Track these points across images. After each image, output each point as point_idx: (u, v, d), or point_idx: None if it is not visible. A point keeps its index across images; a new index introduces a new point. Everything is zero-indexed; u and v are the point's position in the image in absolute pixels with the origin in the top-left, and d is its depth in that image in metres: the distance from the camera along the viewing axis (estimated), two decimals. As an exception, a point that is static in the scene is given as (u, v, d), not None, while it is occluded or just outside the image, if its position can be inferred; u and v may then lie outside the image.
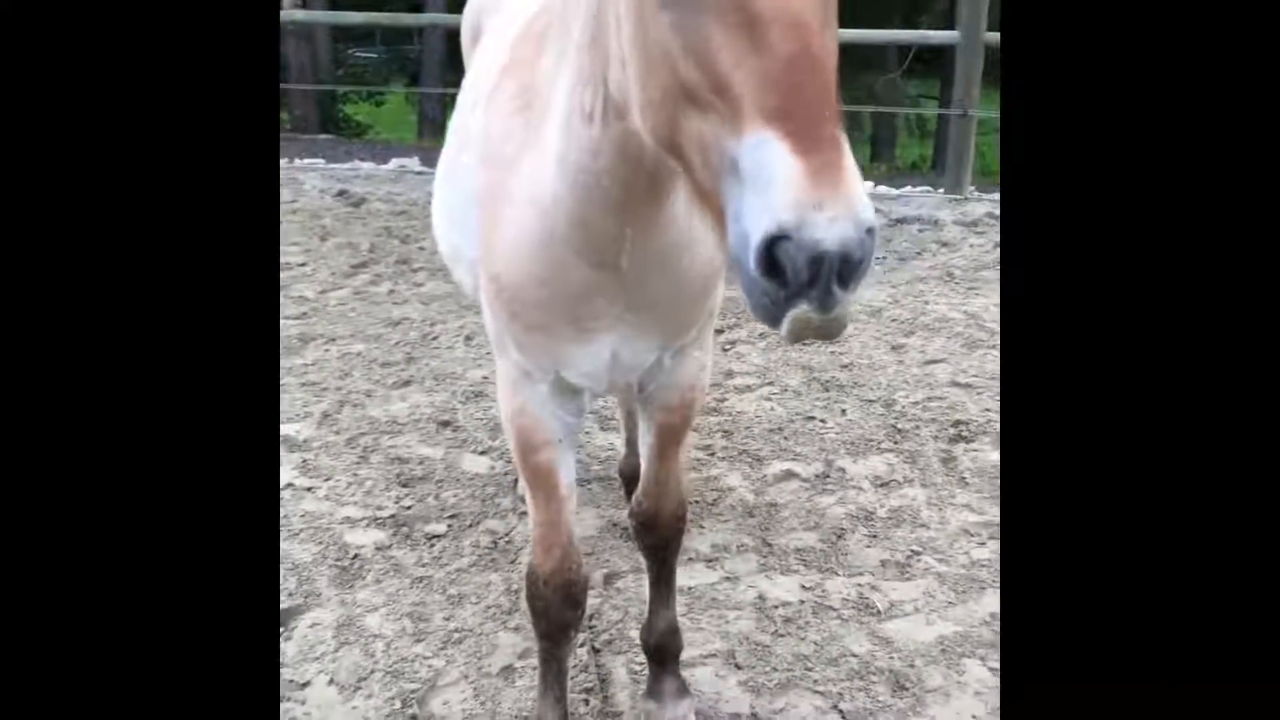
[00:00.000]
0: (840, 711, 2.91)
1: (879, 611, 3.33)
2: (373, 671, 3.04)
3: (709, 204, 1.43)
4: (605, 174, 1.79)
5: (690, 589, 3.43)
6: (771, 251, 1.25)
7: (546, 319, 2.09)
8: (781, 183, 1.23)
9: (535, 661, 2.78)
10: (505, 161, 2.03)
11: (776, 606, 3.36)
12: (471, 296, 2.77)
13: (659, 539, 2.72)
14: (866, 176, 9.49)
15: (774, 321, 1.32)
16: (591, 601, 3.35)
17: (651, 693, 2.81)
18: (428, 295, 6.14)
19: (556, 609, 2.49)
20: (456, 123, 2.67)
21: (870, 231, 1.25)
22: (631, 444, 3.75)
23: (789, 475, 4.12)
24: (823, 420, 4.57)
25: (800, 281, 1.25)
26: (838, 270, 1.24)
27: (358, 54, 26.18)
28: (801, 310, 1.28)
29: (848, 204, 1.23)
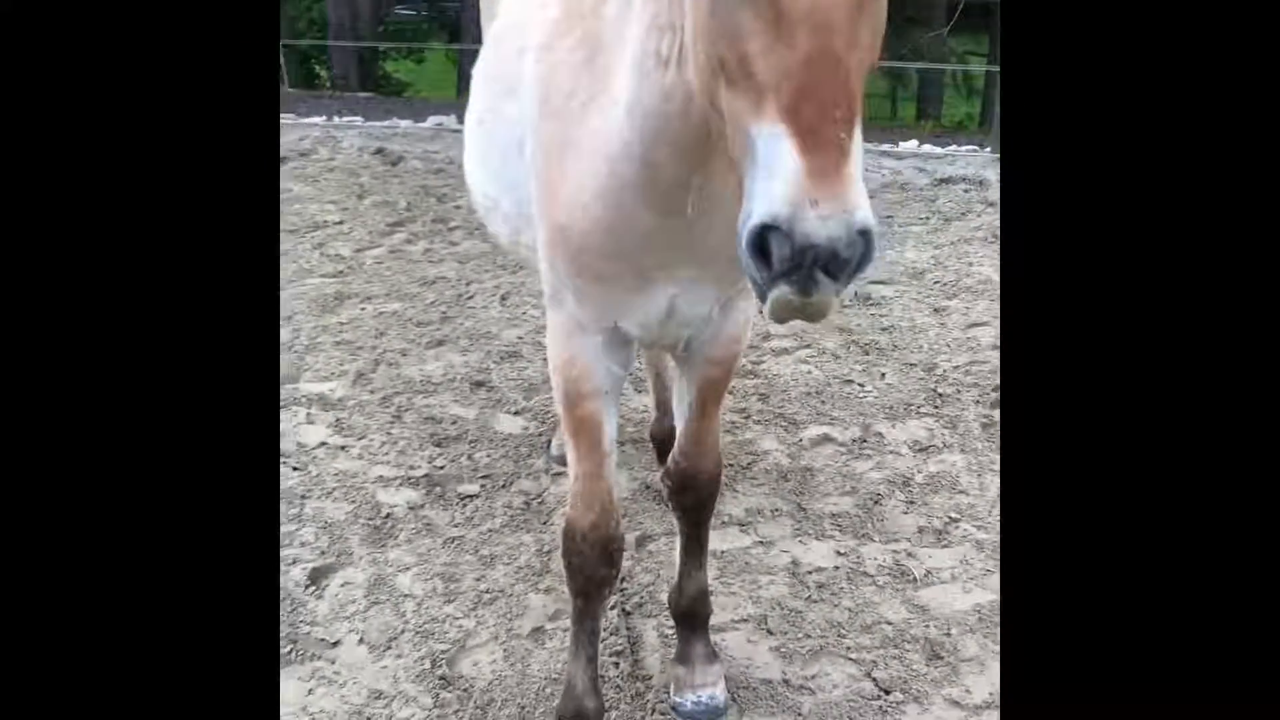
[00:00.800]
0: (874, 679, 2.87)
1: (915, 579, 3.28)
2: (403, 631, 3.04)
3: (734, 170, 1.49)
4: (676, 117, 1.78)
5: (722, 553, 3.39)
6: (762, 237, 1.34)
7: (611, 268, 2.09)
8: (783, 177, 1.32)
9: (566, 624, 2.78)
10: (571, 112, 2.03)
11: (810, 572, 3.31)
12: (507, 248, 2.77)
13: (695, 499, 2.68)
14: (911, 135, 9.31)
15: (760, 298, 1.40)
16: (623, 564, 3.33)
17: (681, 657, 2.78)
18: (463, 254, 6.11)
19: (593, 565, 2.45)
20: (492, 71, 2.61)
21: (865, 233, 1.32)
22: (662, 406, 3.73)
23: (825, 439, 4.06)
24: (861, 384, 4.49)
25: (783, 269, 1.34)
26: (825, 264, 1.32)
27: (399, 11, 26.08)
28: (782, 291, 1.36)
29: (842, 204, 1.30)
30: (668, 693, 2.78)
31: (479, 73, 2.75)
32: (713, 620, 2.95)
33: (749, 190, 1.38)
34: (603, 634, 2.89)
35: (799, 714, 2.76)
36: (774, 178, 1.33)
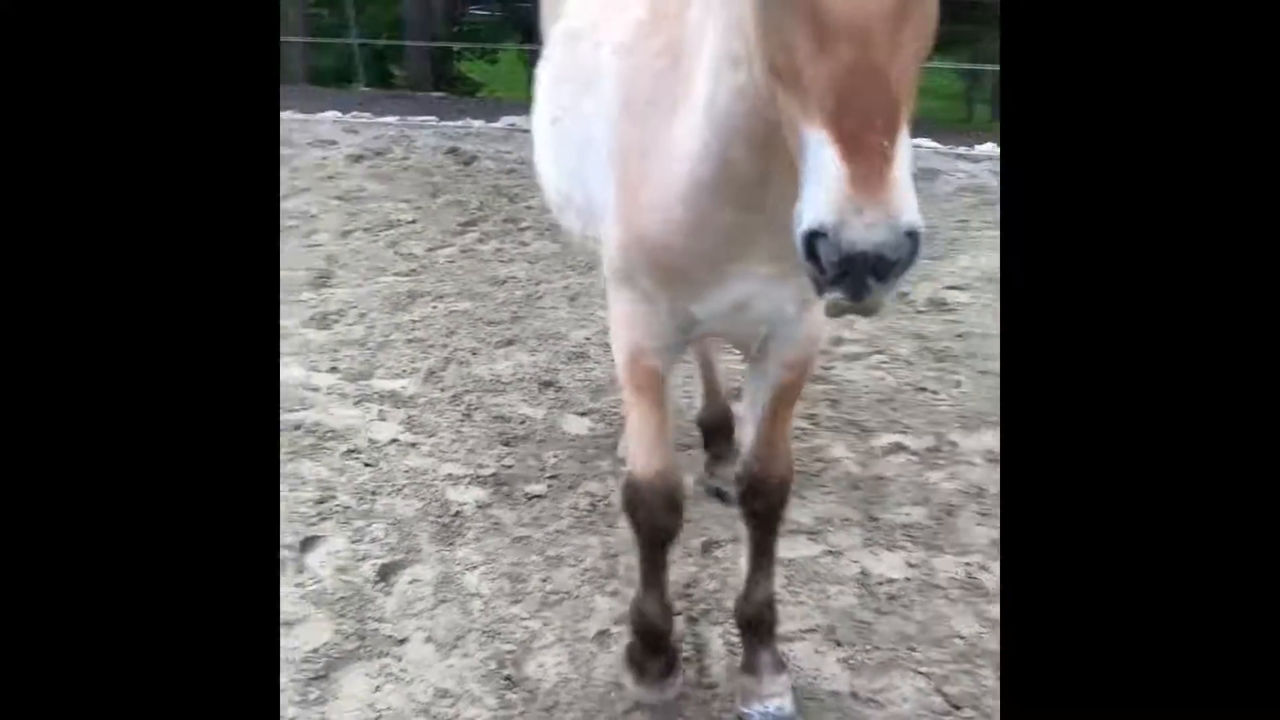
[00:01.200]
0: (944, 694, 2.81)
1: (988, 592, 3.20)
2: (469, 630, 3.05)
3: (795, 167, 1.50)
4: (750, 115, 1.80)
5: (791, 561, 3.35)
6: (811, 243, 1.39)
7: (689, 267, 2.12)
8: (828, 184, 1.36)
9: (629, 628, 2.80)
10: (653, 118, 2.06)
11: (880, 583, 3.25)
12: (579, 243, 2.79)
13: (766, 504, 2.64)
14: (987, 137, 9.13)
15: (817, 295, 1.46)
16: (688, 569, 3.32)
17: (747, 667, 2.75)
18: (534, 254, 6.13)
19: (659, 514, 2.50)
20: (566, 71, 2.61)
21: (912, 234, 1.36)
22: (710, 394, 3.76)
23: (897, 448, 3.99)
24: (934, 391, 4.41)
25: (834, 274, 1.39)
26: (873, 266, 1.36)
27: (474, 11, 26.33)
28: (835, 294, 1.41)
29: (886, 210, 1.34)
30: (734, 702, 2.75)
31: (546, 73, 2.77)
32: (780, 630, 2.91)
33: (802, 192, 1.41)
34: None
35: (867, 728, 2.72)
36: (820, 184, 1.37)
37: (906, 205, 1.35)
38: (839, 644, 3.01)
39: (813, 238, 1.38)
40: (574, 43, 2.59)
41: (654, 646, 2.75)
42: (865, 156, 1.35)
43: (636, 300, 2.30)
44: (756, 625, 2.75)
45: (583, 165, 2.40)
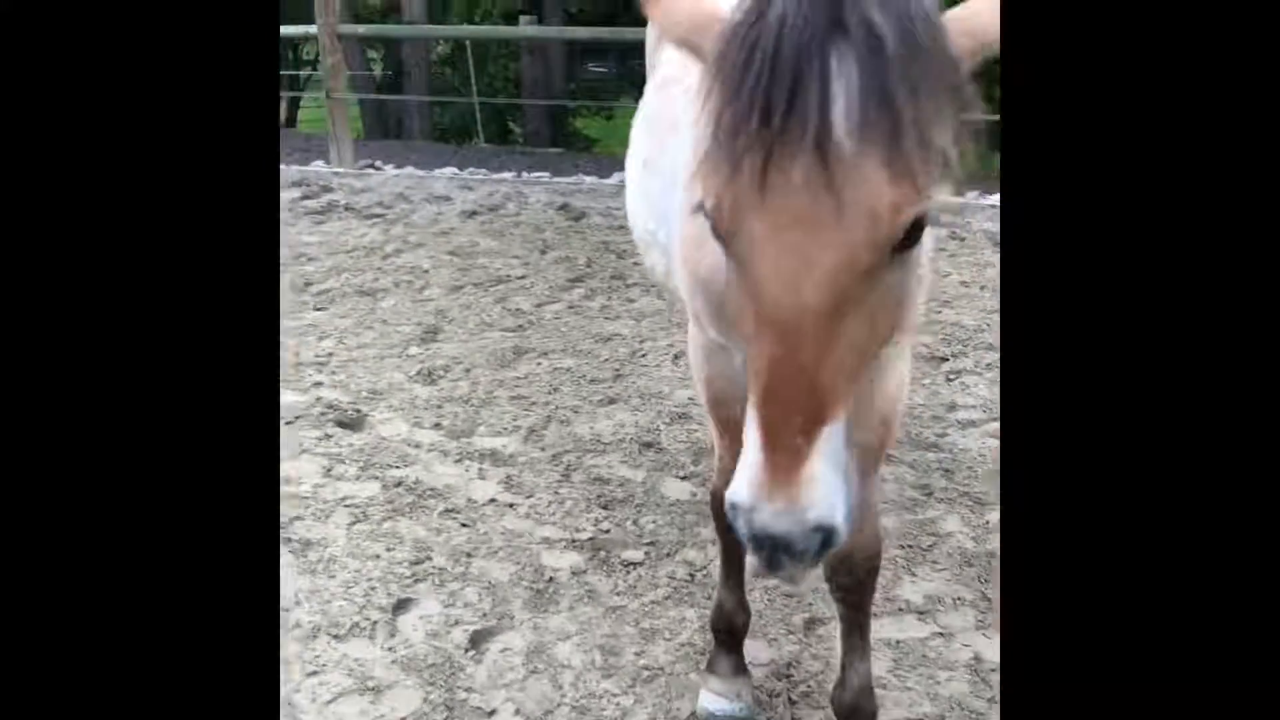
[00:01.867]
0: (1065, 800, 2.58)
1: (1115, 686, 2.96)
2: (560, 705, 2.95)
3: None
4: None
5: (898, 643, 3.17)
6: (733, 511, 1.44)
7: None
8: (749, 463, 1.40)
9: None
10: None
11: (994, 670, 3.04)
12: (661, 281, 2.86)
13: (852, 579, 2.51)
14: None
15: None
16: (789, 649, 3.16)
17: (846, 760, 2.59)
18: (639, 311, 6.09)
19: None
20: (657, 113, 2.71)
21: (820, 529, 1.38)
22: None
23: (1015, 522, 3.77)
24: (1056, 462, 4.17)
25: (750, 546, 1.43)
26: (783, 548, 1.39)
27: (591, 68, 26.86)
28: (753, 560, 1.45)
29: (793, 504, 1.36)
30: (833, 798, 2.59)
31: (641, 118, 2.87)
32: (886, 718, 2.75)
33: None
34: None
35: (979, 833, 2.52)
36: (745, 459, 1.42)
37: (816, 501, 1.36)
38: (949, 736, 2.82)
39: (733, 508, 1.43)
40: (666, 88, 2.65)
41: (728, 643, 2.87)
42: (782, 449, 1.36)
43: (711, 351, 2.36)
44: (855, 713, 2.59)
45: (667, 204, 2.43)
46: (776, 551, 1.40)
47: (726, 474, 2.57)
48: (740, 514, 1.41)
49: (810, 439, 1.35)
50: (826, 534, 1.39)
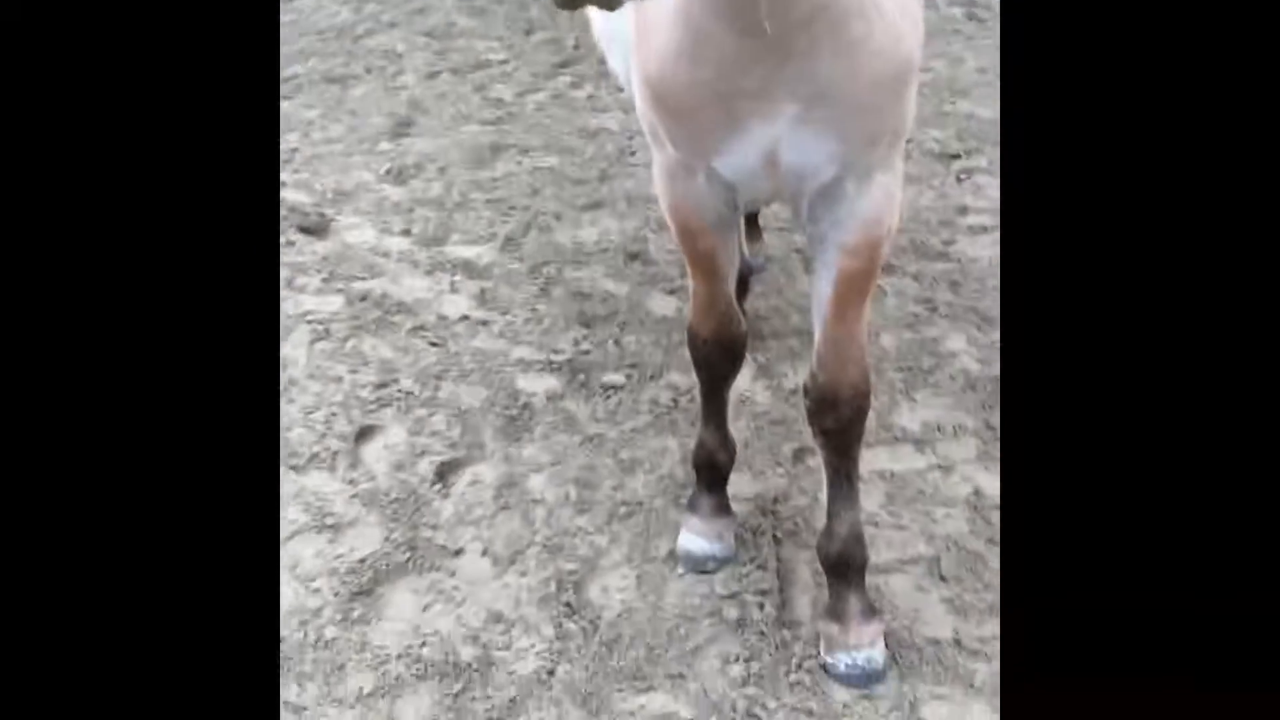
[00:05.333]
0: (1063, 650, 2.44)
1: (1122, 524, 2.78)
2: (530, 544, 2.78)
3: None
4: None
5: (893, 475, 2.98)
6: None
7: (696, 101, 2.01)
8: None
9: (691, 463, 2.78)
10: None
11: (995, 507, 2.85)
12: (625, 85, 2.71)
13: (837, 421, 2.31)
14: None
15: None
16: (776, 482, 2.98)
17: (833, 612, 2.41)
18: (628, 102, 5.60)
19: (716, 363, 2.54)
20: None
21: None
22: None
23: (1024, 342, 3.51)
24: (1071, 274, 3.87)
25: None
26: None
27: None
28: None
29: None
30: (818, 648, 2.44)
31: None
32: (877, 559, 2.60)
33: None
34: (749, 568, 2.69)
35: (970, 685, 2.38)
36: None
37: None
38: (944, 579, 2.66)
39: None
40: None
41: (711, 481, 2.72)
42: None
43: (674, 173, 2.24)
44: (844, 564, 2.41)
45: None
46: None
47: (702, 311, 2.43)
48: None
49: None
50: None
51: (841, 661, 2.37)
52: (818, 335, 2.27)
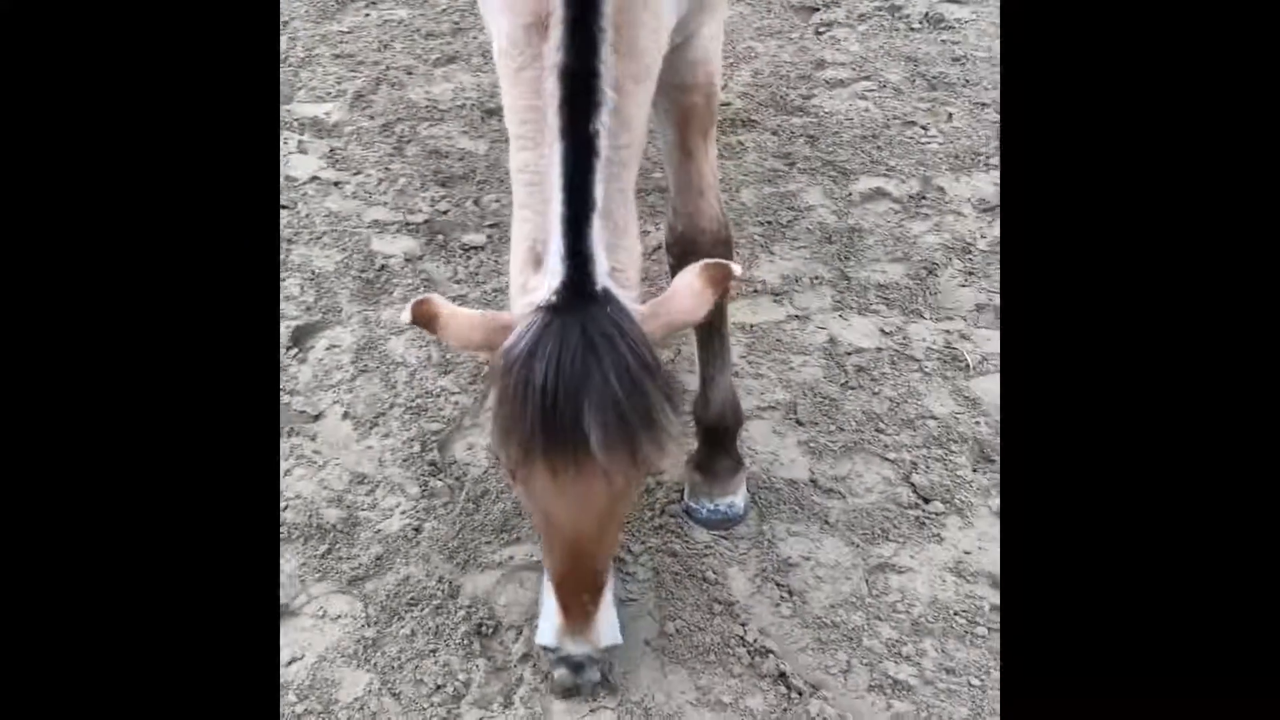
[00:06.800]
0: (912, 484, 2.57)
1: (968, 366, 2.91)
2: (392, 406, 2.75)
3: None
4: None
5: (752, 327, 3.03)
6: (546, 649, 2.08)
7: None
8: (550, 618, 2.03)
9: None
10: None
11: (849, 353, 2.95)
12: None
13: None
14: None
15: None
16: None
17: (701, 466, 2.46)
18: (482, -49, 5.38)
19: None
20: None
21: (610, 649, 2.07)
22: None
23: (878, 194, 3.57)
24: (924, 127, 3.93)
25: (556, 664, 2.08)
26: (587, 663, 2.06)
27: None
28: (562, 674, 2.08)
29: (590, 641, 2.02)
30: (680, 494, 2.51)
31: None
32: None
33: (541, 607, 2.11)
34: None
35: (825, 521, 2.49)
36: (547, 615, 2.05)
37: (604, 633, 2.02)
38: (800, 423, 2.74)
39: (544, 649, 2.09)
40: None
41: None
42: (576, 614, 1.97)
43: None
44: (718, 431, 2.45)
45: None
46: (582, 667, 2.06)
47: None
48: (551, 653, 2.06)
49: (596, 600, 1.98)
50: (614, 648, 2.07)
51: (704, 507, 2.44)
52: (671, 183, 2.25)
